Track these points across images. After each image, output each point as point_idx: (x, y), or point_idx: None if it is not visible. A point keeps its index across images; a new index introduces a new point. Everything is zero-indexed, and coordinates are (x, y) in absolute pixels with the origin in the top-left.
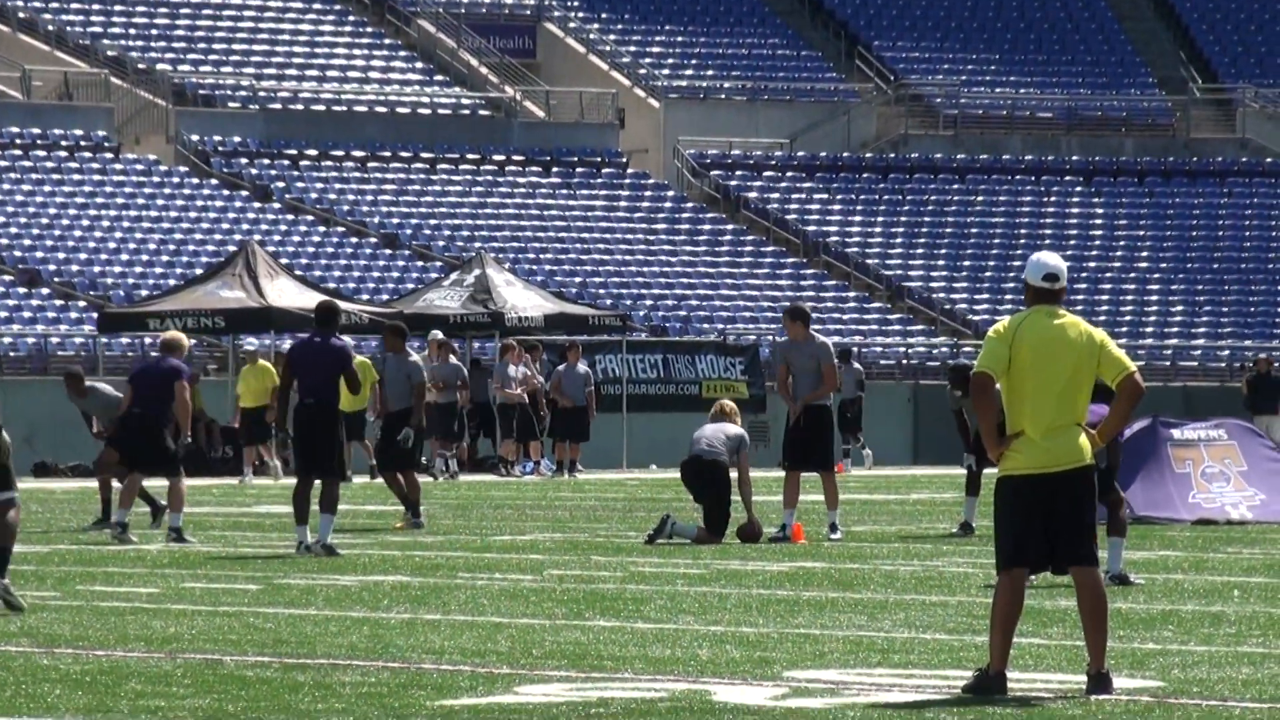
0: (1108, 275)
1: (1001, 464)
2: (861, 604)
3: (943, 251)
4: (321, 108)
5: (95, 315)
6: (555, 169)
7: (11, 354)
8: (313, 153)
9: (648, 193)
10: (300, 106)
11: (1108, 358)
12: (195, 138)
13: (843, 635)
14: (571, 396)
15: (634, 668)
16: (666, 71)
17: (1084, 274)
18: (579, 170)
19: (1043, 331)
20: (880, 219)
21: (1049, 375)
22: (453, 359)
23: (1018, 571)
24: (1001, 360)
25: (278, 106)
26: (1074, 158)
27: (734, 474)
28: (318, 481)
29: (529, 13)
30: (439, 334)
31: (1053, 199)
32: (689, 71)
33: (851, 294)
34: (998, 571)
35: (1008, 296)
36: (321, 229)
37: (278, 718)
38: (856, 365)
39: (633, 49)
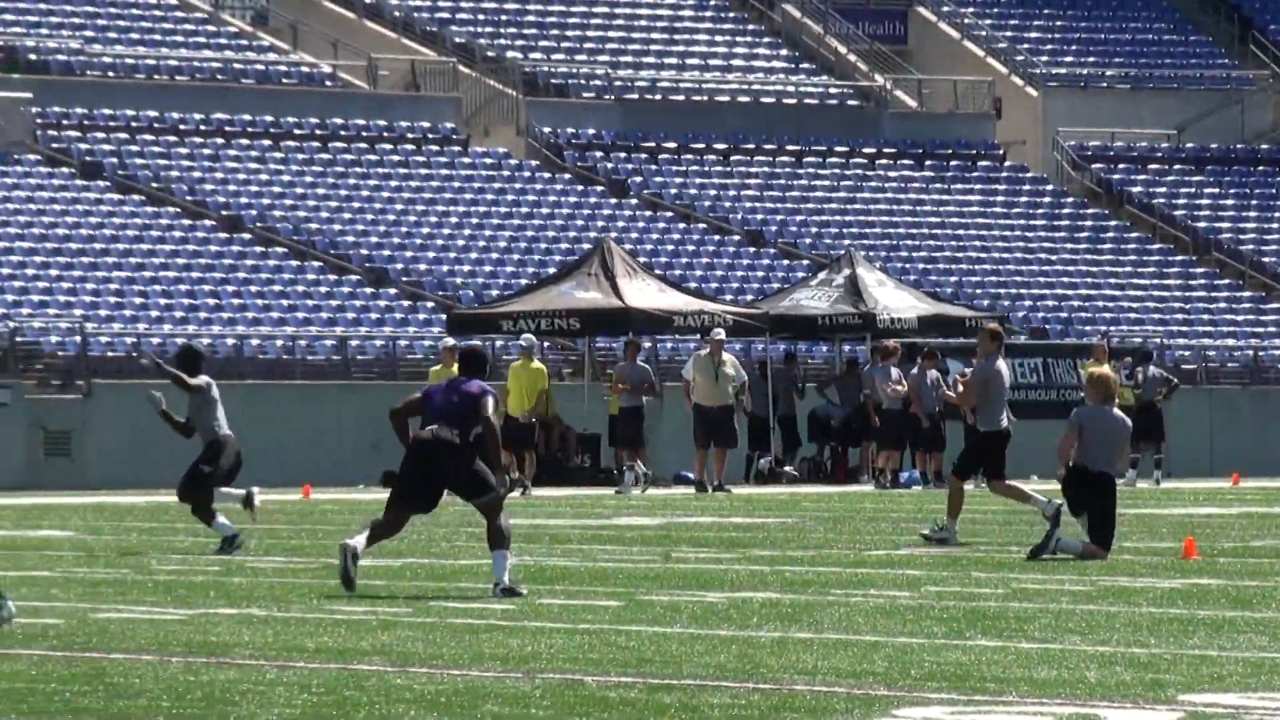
0: None
1: None
2: (1262, 623)
3: None
4: (681, 98)
5: (444, 316)
6: (928, 162)
7: (359, 356)
8: (671, 145)
9: (1025, 187)
10: (658, 96)
11: None
12: (547, 129)
13: (1242, 657)
14: (927, 404)
15: (1018, 690)
16: (1045, 58)
17: None
18: (953, 163)
19: None
20: (1277, 214)
21: None
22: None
23: None
24: None
25: (634, 96)
26: None
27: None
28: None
29: None
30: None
31: None
32: (1069, 58)
33: (1245, 294)
34: None
35: None
36: (681, 226)
37: None
38: (1155, 370)
39: (1009, 35)
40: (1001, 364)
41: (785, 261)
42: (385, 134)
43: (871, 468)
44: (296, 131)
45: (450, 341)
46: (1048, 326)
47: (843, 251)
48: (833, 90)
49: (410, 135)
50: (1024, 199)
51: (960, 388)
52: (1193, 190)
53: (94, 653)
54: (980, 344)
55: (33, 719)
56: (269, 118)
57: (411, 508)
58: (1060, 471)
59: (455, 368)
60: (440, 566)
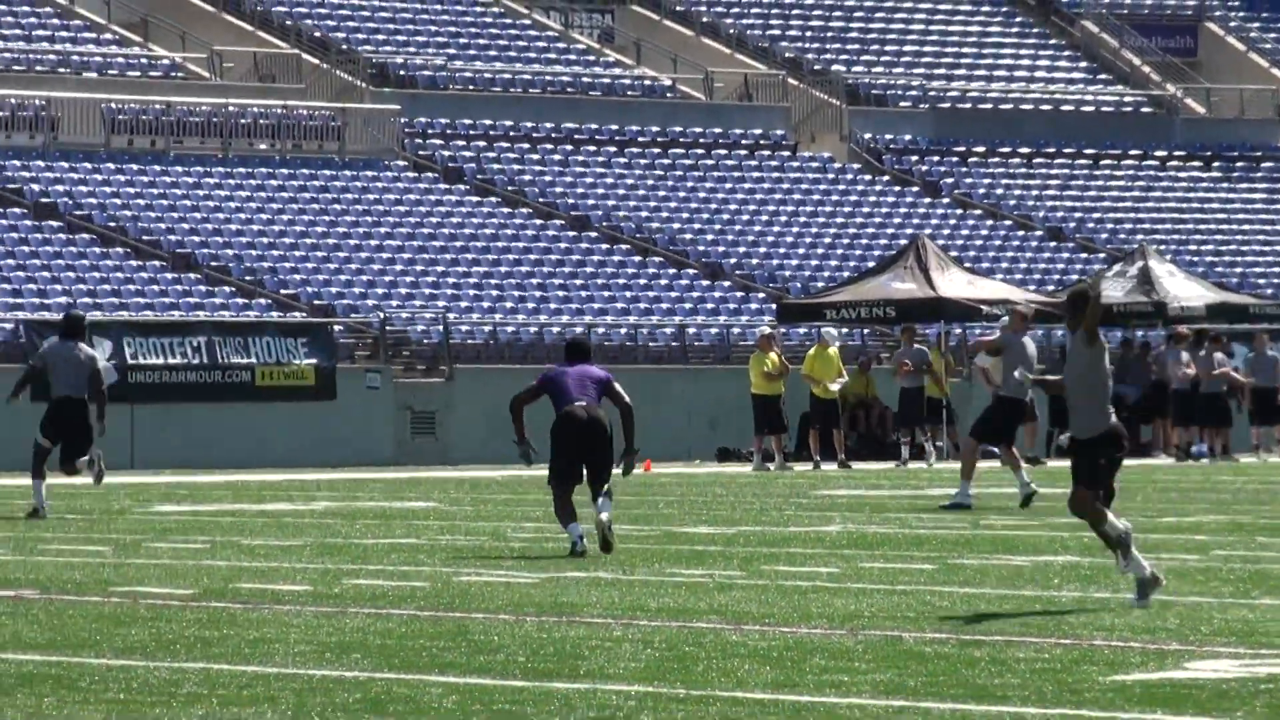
0: None
1: None
2: None
3: None
4: (989, 106)
5: (774, 306)
6: (1215, 164)
7: (696, 343)
8: (980, 150)
9: None
10: (968, 105)
11: None
12: (867, 136)
13: None
14: (1263, 380)
15: None
16: None
17: None
18: (1239, 165)
19: None
20: None
21: None
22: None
23: None
24: None
25: (947, 105)
26: None
27: None
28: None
29: (1190, 13)
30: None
31: None
32: None
33: None
34: None
35: None
36: (989, 223)
37: (955, 691)
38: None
39: None
40: (1027, 340)
41: (1083, 255)
42: (720, 141)
43: (1165, 442)
44: (639, 139)
45: (766, 330)
46: None
47: (1136, 245)
48: (1127, 99)
49: (743, 142)
50: None
51: (981, 341)
52: None
53: (457, 613)
54: (1011, 321)
55: (403, 673)
56: (614, 126)
57: (574, 479)
58: None
59: (773, 355)
60: (771, 533)
